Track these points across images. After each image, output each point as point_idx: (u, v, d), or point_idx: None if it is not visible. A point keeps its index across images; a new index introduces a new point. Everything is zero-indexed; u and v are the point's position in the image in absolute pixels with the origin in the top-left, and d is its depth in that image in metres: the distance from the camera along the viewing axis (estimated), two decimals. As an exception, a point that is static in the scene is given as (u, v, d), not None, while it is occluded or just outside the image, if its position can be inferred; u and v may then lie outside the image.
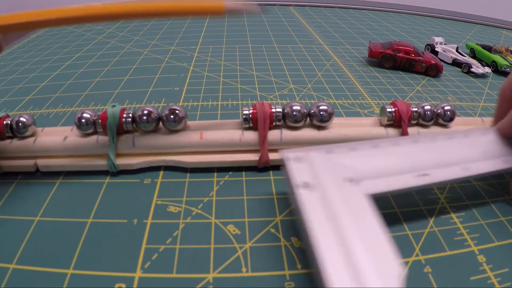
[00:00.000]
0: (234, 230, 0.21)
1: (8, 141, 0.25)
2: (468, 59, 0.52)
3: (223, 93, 0.39)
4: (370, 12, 0.91)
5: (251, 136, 0.26)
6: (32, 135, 0.26)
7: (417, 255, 0.20)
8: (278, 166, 0.27)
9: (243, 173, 0.26)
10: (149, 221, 0.22)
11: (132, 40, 0.58)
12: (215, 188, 0.25)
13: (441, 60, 0.54)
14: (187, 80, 0.42)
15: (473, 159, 0.23)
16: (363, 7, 0.95)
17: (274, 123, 0.26)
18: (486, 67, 0.50)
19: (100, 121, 0.25)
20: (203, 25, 0.68)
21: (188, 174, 0.26)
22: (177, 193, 0.24)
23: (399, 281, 0.14)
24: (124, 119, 0.25)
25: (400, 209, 0.23)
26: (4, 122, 0.25)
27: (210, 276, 0.18)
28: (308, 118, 0.27)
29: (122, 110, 0.25)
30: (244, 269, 0.19)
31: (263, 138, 0.26)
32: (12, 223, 0.21)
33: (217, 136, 0.26)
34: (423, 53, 0.49)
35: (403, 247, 0.21)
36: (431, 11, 0.94)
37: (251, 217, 0.22)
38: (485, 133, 0.25)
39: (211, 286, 0.18)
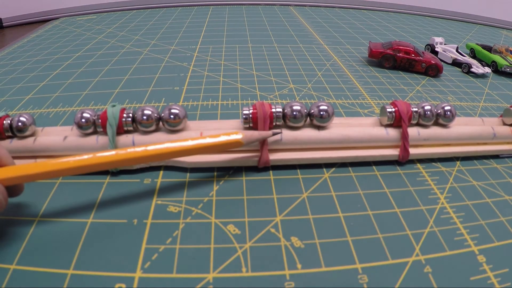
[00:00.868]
0: (234, 230, 0.21)
1: (8, 140, 0.25)
2: (468, 59, 0.52)
3: (223, 92, 0.39)
4: (370, 12, 0.91)
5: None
6: (32, 134, 0.26)
7: (417, 255, 0.20)
8: (278, 166, 0.27)
9: (243, 173, 0.26)
10: (149, 221, 0.22)
11: (132, 40, 0.58)
12: (215, 188, 0.25)
13: (441, 60, 0.54)
14: (187, 80, 0.42)
15: None
16: (363, 7, 0.95)
17: (274, 123, 0.26)
18: (486, 67, 0.50)
19: (100, 120, 0.25)
20: (203, 25, 0.68)
21: (188, 174, 0.26)
22: (177, 193, 0.24)
23: None
24: (124, 119, 0.25)
25: (400, 209, 0.23)
26: (4, 122, 0.25)
27: (210, 276, 0.18)
28: (308, 118, 0.27)
29: (122, 110, 0.25)
30: (244, 269, 0.19)
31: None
32: (12, 223, 0.21)
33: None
34: (423, 53, 0.49)
35: (403, 247, 0.21)
36: (431, 11, 0.95)
37: (251, 217, 0.22)
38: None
39: (211, 286, 0.18)
